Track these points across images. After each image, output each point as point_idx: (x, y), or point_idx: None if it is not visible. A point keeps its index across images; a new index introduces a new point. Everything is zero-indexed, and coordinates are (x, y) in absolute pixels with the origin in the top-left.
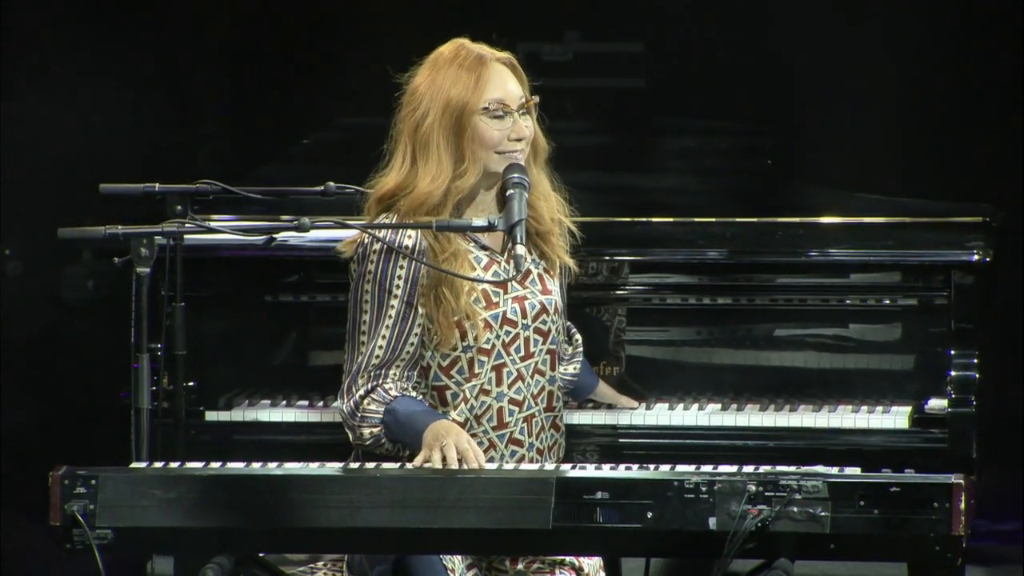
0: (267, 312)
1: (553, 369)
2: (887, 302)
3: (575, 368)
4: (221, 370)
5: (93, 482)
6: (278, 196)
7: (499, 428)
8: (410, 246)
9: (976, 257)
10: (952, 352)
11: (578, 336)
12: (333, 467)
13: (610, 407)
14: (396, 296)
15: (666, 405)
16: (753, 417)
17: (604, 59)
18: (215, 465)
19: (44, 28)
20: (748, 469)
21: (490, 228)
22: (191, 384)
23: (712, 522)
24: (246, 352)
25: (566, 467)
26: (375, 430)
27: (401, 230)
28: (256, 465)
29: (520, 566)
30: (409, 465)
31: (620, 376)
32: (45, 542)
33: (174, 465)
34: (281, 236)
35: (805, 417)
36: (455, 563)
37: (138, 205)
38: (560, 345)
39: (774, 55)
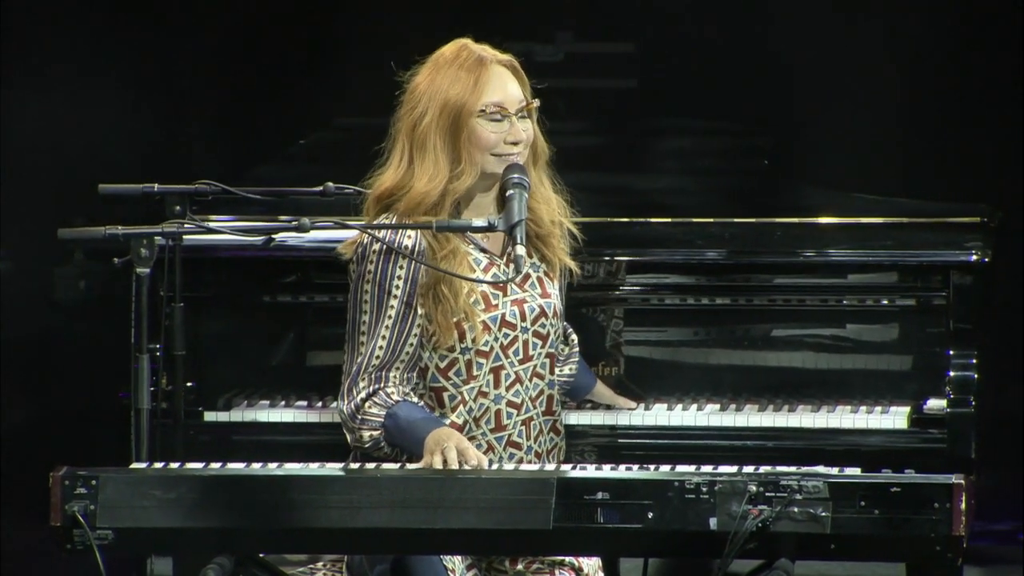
0: (266, 312)
1: (552, 373)
2: (885, 302)
3: (571, 368)
4: (220, 370)
5: (94, 483)
6: (277, 196)
7: (497, 431)
8: (409, 246)
9: (975, 257)
10: (951, 352)
11: (574, 336)
12: (333, 467)
13: (608, 408)
14: (396, 296)
15: (664, 405)
16: (752, 417)
17: (597, 59)
18: (215, 465)
19: (42, 28)
20: (749, 469)
21: (490, 228)
22: (190, 384)
23: (713, 522)
24: (245, 352)
25: (567, 467)
26: (375, 433)
27: (400, 230)
28: (256, 465)
29: (520, 566)
30: (410, 466)
31: (618, 377)
32: (45, 542)
33: (174, 465)
34: (280, 236)
35: (804, 417)
36: (455, 563)
37: (134, 205)
38: (557, 346)
39: (772, 55)
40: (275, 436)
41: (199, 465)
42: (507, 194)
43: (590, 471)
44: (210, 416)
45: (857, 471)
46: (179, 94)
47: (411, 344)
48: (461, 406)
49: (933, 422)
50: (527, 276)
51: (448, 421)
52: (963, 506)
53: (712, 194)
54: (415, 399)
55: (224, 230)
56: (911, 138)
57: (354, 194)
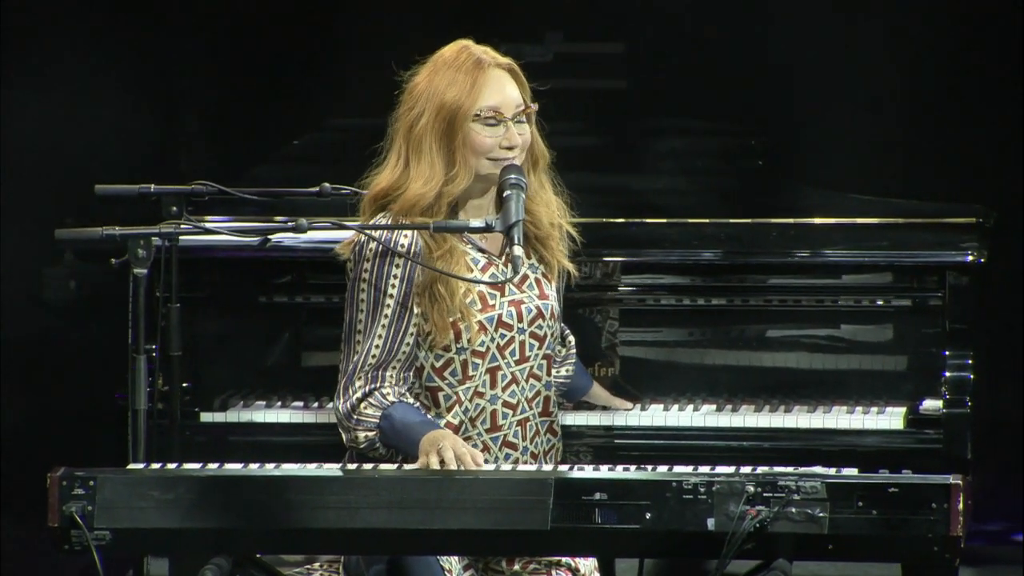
0: (262, 313)
1: (549, 374)
2: (881, 303)
3: (568, 370)
4: (216, 371)
5: (91, 483)
6: (273, 197)
7: (492, 431)
8: (406, 245)
9: (970, 258)
10: (947, 353)
11: (571, 338)
12: (331, 468)
13: (604, 409)
14: (392, 296)
15: (661, 406)
16: (748, 418)
17: (588, 60)
18: (213, 466)
19: (41, 28)
20: (747, 470)
21: (488, 229)
22: (186, 385)
23: (710, 523)
24: (241, 353)
25: (564, 468)
26: (370, 434)
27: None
28: (254, 466)
29: (517, 567)
30: (407, 466)
31: (614, 377)
32: (44, 543)
33: (172, 466)
34: (276, 237)
35: (800, 418)
36: (452, 563)
37: (131, 206)
38: (554, 348)
39: (768, 54)
40: (271, 437)
41: (196, 466)
42: (504, 195)
43: (588, 471)
44: (206, 417)
45: (855, 471)
46: (177, 94)
47: (407, 344)
48: (457, 406)
49: (929, 422)
50: (525, 277)
51: (444, 421)
52: (960, 507)
53: (708, 194)
54: (411, 400)
55: (220, 231)
56: (909, 138)
57: (351, 195)
